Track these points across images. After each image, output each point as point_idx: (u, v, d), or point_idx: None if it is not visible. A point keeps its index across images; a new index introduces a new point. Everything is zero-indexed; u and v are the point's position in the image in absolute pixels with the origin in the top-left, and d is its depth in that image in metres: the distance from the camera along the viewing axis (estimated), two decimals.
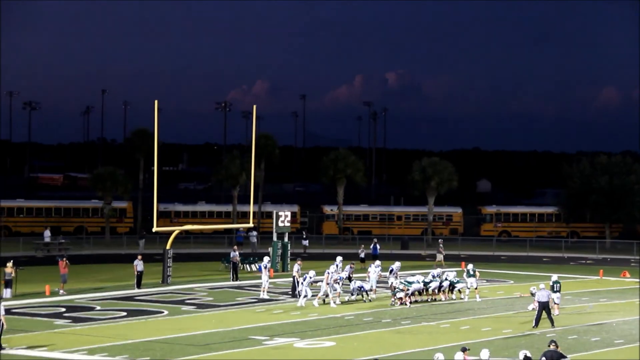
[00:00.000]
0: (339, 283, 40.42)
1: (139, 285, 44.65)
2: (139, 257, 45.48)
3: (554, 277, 39.07)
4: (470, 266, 43.27)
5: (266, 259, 44.00)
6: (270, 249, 53.76)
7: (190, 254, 63.95)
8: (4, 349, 29.20)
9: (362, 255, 56.93)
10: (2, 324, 29.72)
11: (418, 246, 71.82)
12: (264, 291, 42.32)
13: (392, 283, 41.09)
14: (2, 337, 29.43)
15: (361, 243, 63.15)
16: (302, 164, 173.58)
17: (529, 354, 22.13)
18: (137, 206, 78.03)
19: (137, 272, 44.77)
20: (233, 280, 48.19)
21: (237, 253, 49.58)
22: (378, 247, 58.33)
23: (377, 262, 45.14)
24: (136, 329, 33.68)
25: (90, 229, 76.76)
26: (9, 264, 41.61)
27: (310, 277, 40.01)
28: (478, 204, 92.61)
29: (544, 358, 23.09)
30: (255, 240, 67.72)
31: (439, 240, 60.97)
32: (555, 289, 37.81)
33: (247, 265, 53.83)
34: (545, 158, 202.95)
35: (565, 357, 23.17)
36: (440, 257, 57.67)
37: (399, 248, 70.21)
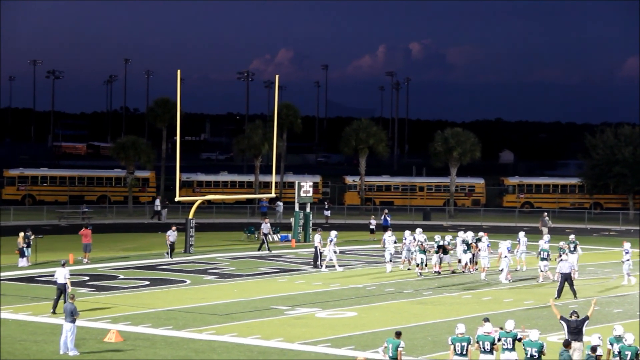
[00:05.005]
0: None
1: (171, 255, 44.54)
2: (173, 227, 45.26)
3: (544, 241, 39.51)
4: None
5: (333, 233, 42.60)
6: (292, 219, 53.87)
7: (213, 223, 64.16)
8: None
9: (372, 226, 56.62)
10: (67, 287, 30.40)
11: (440, 217, 71.72)
12: (336, 265, 41.79)
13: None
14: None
15: (371, 214, 63.18)
16: (325, 134, 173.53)
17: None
18: (160, 176, 78.25)
19: (169, 242, 44.75)
20: (264, 250, 47.99)
21: (268, 224, 49.27)
22: (389, 218, 57.66)
23: (389, 232, 44.28)
24: (159, 298, 33.87)
25: (113, 198, 77.09)
26: (21, 234, 41.84)
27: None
28: (501, 175, 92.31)
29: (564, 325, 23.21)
30: (281, 210, 67.59)
31: (544, 213, 59.11)
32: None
33: (270, 236, 53.80)
34: (569, 129, 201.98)
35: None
36: (545, 230, 55.12)
37: (421, 219, 70.13)
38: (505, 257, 38.79)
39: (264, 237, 48.61)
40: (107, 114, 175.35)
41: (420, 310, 32.33)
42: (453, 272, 41.12)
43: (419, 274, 40.02)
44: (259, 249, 48.39)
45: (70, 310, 25.05)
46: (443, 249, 41.19)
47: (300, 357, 25.11)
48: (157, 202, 67.29)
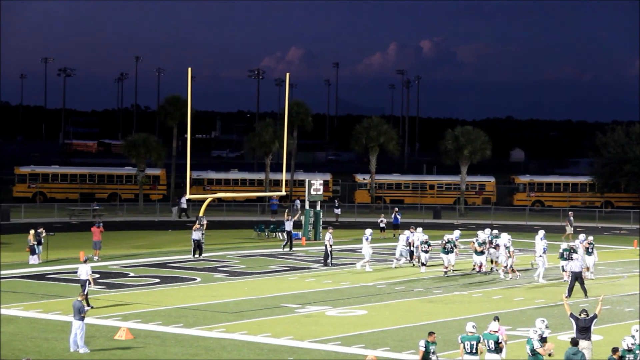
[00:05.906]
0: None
1: (193, 253, 44.53)
2: (197, 225, 45.25)
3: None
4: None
5: (368, 231, 42.11)
6: (302, 218, 53.83)
7: (223, 221, 64.17)
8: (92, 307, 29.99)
9: (383, 224, 56.43)
10: (89, 283, 30.80)
11: (450, 215, 71.62)
12: (366, 264, 41.38)
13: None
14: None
15: (381, 212, 63.05)
16: (335, 132, 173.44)
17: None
18: (171, 173, 78.35)
19: (194, 240, 44.69)
20: (285, 248, 47.84)
21: (291, 222, 49.08)
22: (399, 216, 57.46)
23: (406, 232, 44.08)
24: (169, 296, 33.93)
25: (124, 195, 77.17)
26: (32, 232, 41.94)
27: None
28: (511, 174, 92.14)
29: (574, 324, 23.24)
30: (299, 207, 67.01)
31: (569, 213, 58.40)
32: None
33: (281, 234, 53.82)
34: (580, 127, 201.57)
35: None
36: (569, 230, 54.82)
37: (432, 217, 70.04)
38: (540, 256, 38.76)
39: (287, 235, 48.42)
40: (118, 112, 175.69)
41: (431, 308, 32.31)
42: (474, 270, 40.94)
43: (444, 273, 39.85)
44: (290, 248, 48.10)
45: (78, 308, 25.11)
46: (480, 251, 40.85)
47: (310, 355, 25.12)
48: (184, 199, 66.88)
